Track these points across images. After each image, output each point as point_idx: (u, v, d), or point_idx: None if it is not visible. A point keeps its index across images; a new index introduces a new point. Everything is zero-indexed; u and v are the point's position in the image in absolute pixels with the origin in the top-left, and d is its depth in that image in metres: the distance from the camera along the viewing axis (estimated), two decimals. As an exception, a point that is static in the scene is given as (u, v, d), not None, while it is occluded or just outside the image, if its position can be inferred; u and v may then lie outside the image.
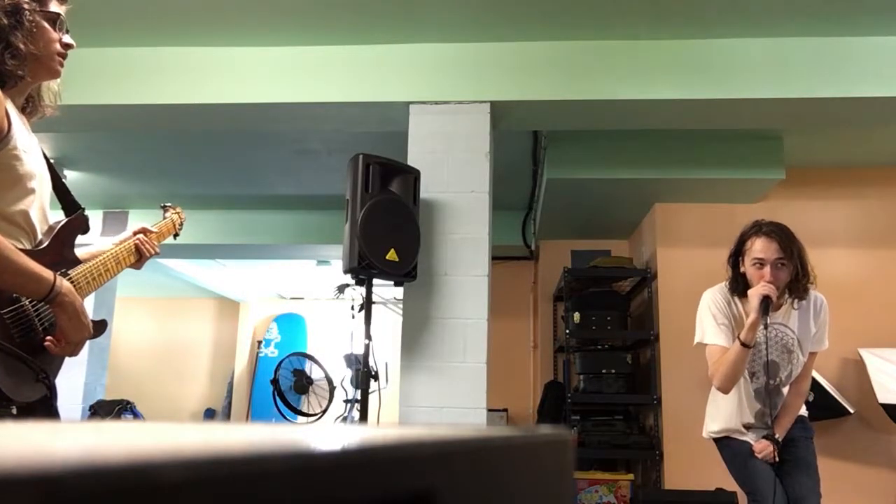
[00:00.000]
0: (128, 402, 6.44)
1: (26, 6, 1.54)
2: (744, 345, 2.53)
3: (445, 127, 3.46)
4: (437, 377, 3.20)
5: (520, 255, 6.04)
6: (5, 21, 1.50)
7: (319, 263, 7.42)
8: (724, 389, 2.63)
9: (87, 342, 1.65)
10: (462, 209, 3.38)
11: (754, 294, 2.53)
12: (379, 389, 3.21)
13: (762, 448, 2.61)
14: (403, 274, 3.13)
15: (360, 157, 3.06)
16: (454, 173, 3.41)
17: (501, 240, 5.28)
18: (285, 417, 6.30)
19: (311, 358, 6.64)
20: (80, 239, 1.74)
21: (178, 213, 2.16)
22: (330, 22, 3.39)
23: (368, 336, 3.05)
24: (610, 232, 5.45)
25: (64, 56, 1.65)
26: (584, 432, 4.63)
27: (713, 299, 2.70)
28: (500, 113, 3.53)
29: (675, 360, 4.50)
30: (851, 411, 4.20)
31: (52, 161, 1.75)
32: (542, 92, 3.46)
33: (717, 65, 3.42)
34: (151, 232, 1.97)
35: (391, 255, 3.03)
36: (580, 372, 4.83)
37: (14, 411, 1.46)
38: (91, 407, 6.29)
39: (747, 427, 2.70)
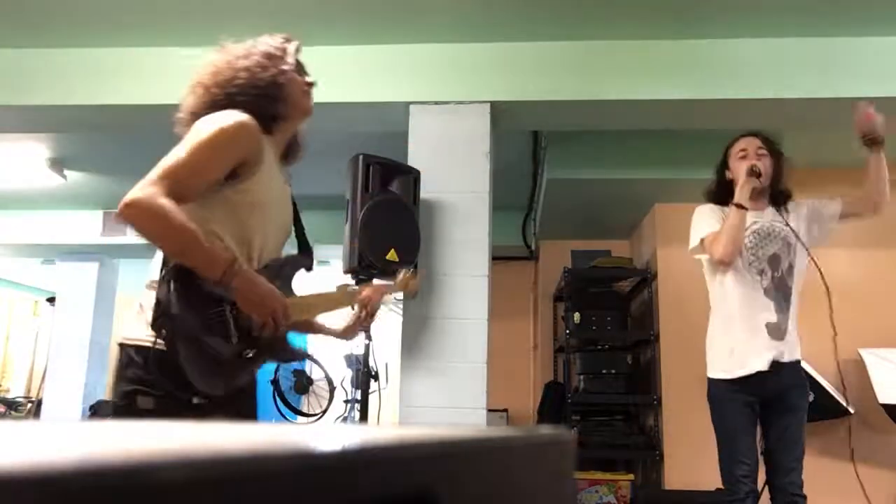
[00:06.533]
0: (128, 402, 6.42)
1: (285, 69, 1.83)
2: (739, 206, 2.61)
3: (445, 127, 3.46)
4: (437, 377, 3.20)
5: (520, 255, 6.03)
6: (274, 91, 1.79)
7: (319, 263, 7.42)
8: (729, 255, 2.62)
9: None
10: (462, 209, 3.38)
11: (741, 168, 2.66)
12: (379, 390, 3.21)
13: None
14: (403, 274, 3.12)
15: (360, 157, 3.06)
16: (454, 173, 3.41)
17: (501, 240, 5.27)
18: (285, 418, 6.30)
19: (311, 358, 6.63)
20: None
21: (412, 277, 2.25)
22: (330, 22, 3.39)
23: (368, 336, 3.05)
24: (610, 232, 5.45)
25: (309, 94, 1.90)
26: (584, 432, 4.62)
27: (706, 207, 2.80)
28: (500, 113, 3.52)
29: (675, 360, 4.49)
30: (851, 411, 4.20)
31: (296, 202, 1.96)
32: (542, 92, 3.46)
33: (717, 65, 3.42)
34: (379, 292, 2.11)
35: (391, 255, 3.03)
36: (580, 372, 4.83)
37: (196, 401, 1.58)
38: (91, 407, 6.28)
39: (770, 329, 2.61)
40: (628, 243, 5.61)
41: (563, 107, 3.50)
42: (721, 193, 2.77)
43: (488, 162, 3.44)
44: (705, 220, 2.74)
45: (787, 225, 2.69)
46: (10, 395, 8.22)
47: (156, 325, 1.56)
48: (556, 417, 4.96)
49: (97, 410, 6.22)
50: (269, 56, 1.82)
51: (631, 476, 4.56)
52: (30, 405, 7.25)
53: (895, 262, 4.60)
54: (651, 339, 4.71)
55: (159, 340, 1.57)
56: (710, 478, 3.81)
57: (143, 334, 1.61)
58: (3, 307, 8.90)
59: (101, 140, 4.75)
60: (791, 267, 2.68)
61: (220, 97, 1.75)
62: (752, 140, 2.75)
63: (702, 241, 2.70)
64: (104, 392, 6.71)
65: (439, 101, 3.48)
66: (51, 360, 6.66)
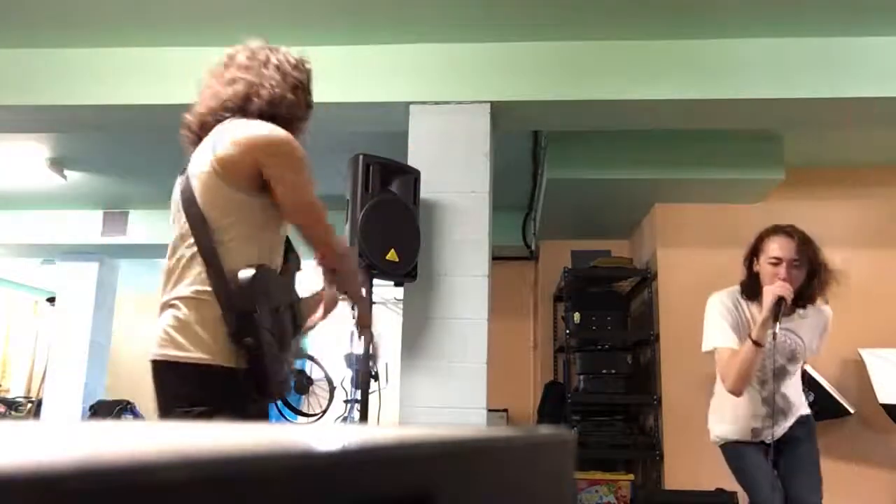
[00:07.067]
0: (128, 403, 6.43)
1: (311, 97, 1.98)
2: (755, 343, 2.49)
3: (445, 127, 3.45)
4: (437, 377, 3.20)
5: (520, 256, 6.03)
6: (305, 115, 1.94)
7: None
8: (738, 391, 2.57)
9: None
10: (462, 209, 3.37)
11: (768, 293, 2.49)
12: (379, 389, 3.21)
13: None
14: (403, 274, 3.12)
15: (360, 157, 3.06)
16: (454, 173, 3.41)
17: (501, 240, 5.27)
18: (285, 417, 6.30)
19: (311, 358, 6.63)
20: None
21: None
22: (330, 22, 3.39)
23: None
24: (610, 232, 5.44)
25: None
26: (584, 432, 4.62)
27: (721, 302, 2.66)
28: (500, 113, 3.52)
29: (675, 360, 4.50)
30: (851, 411, 4.20)
31: None
32: (542, 92, 3.46)
33: (717, 65, 3.42)
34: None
35: (391, 255, 3.03)
36: (580, 372, 4.83)
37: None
38: (91, 407, 6.28)
39: (755, 432, 2.69)
40: (628, 243, 5.61)
41: (563, 107, 3.50)
42: (749, 287, 2.64)
43: (488, 162, 3.44)
44: (720, 327, 2.63)
45: (801, 339, 2.66)
46: (10, 395, 8.22)
47: (239, 336, 1.64)
48: (556, 417, 4.95)
49: (97, 410, 6.22)
50: (304, 80, 1.94)
51: (631, 476, 4.56)
52: (30, 405, 7.25)
53: (895, 262, 4.60)
54: (651, 339, 4.71)
55: (223, 362, 1.64)
56: (710, 478, 3.82)
57: (200, 352, 1.67)
58: (3, 307, 8.90)
59: (101, 140, 4.75)
60: (795, 375, 2.72)
61: (261, 108, 1.82)
62: (787, 245, 2.57)
63: (715, 349, 2.65)
64: (104, 392, 6.71)
65: (439, 101, 3.48)
66: (51, 360, 6.66)
